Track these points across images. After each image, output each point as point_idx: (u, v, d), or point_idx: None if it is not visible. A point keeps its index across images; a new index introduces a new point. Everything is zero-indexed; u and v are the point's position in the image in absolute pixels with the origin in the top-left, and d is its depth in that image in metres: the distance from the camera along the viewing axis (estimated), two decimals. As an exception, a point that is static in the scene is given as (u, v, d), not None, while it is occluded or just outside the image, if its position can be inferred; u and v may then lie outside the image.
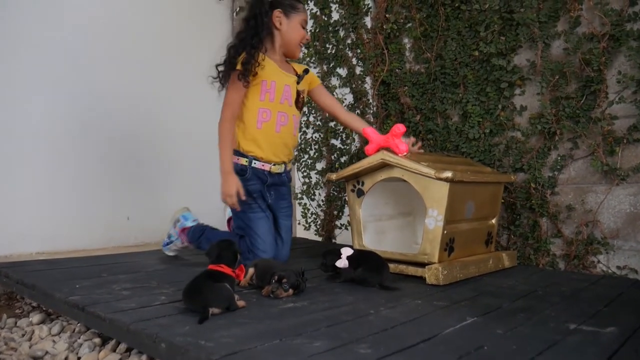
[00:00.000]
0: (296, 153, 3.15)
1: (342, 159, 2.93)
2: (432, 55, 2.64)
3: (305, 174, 3.10)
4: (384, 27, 2.78)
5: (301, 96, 2.24)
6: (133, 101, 3.07)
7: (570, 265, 2.23)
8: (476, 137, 2.48)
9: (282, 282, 1.55)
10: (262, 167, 2.12)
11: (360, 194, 2.09)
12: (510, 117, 2.41)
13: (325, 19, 2.99)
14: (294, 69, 2.24)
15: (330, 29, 2.97)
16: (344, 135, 2.93)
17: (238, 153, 2.13)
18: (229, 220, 2.46)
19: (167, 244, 2.35)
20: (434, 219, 1.86)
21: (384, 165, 1.98)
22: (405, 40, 2.78)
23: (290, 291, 1.57)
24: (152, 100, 3.16)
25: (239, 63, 2.02)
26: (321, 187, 3.00)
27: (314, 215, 3.05)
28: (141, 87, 3.11)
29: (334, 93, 2.96)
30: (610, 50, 2.14)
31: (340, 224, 2.93)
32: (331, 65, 2.98)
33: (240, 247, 2.12)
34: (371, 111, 2.85)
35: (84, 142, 2.86)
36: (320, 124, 3.02)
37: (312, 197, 3.04)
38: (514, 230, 2.38)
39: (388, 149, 1.95)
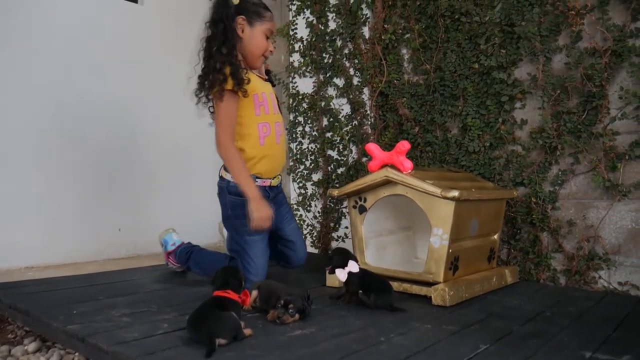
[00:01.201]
0: (291, 164, 3.11)
1: (339, 171, 2.90)
2: (432, 66, 2.61)
3: (301, 184, 3.05)
4: (382, 37, 2.74)
5: (278, 99, 2.15)
6: (124, 110, 3.00)
7: (571, 280, 2.22)
8: (476, 151, 2.46)
9: (289, 307, 1.51)
10: (263, 184, 2.04)
11: (363, 210, 2.05)
12: (510, 131, 2.39)
13: (322, 27, 2.95)
14: (262, 74, 2.14)
15: (327, 38, 2.93)
16: (340, 147, 2.90)
17: None
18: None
19: (168, 264, 2.28)
20: (439, 238, 1.83)
21: (387, 182, 1.95)
22: (404, 51, 2.75)
23: (297, 316, 1.53)
24: (145, 110, 3.09)
25: (229, 77, 1.88)
26: (317, 199, 2.96)
27: (309, 227, 3.01)
28: (129, 93, 3.04)
29: (331, 103, 2.93)
30: (612, 66, 2.13)
31: (337, 236, 2.89)
32: (328, 75, 2.94)
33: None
34: (369, 122, 2.82)
35: (73, 153, 2.79)
36: (316, 134, 2.98)
37: (308, 208, 3.00)
38: (514, 245, 2.37)
39: (392, 166, 1.91)
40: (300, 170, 3.07)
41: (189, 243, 2.26)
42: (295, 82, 3.07)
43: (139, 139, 3.06)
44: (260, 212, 1.88)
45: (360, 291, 1.74)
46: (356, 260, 1.80)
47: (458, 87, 2.52)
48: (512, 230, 2.39)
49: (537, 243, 2.31)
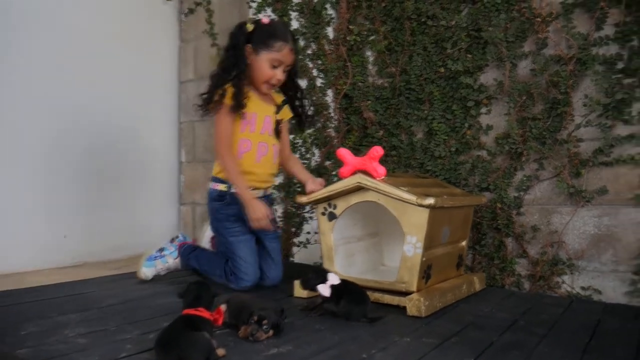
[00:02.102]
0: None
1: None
2: (397, 69, 2.57)
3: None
4: (347, 38, 2.68)
5: (280, 125, 2.23)
6: (65, 108, 2.80)
7: (535, 286, 2.24)
8: (442, 155, 2.44)
9: (263, 323, 1.42)
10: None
11: (332, 217, 1.98)
12: (476, 136, 2.39)
13: (284, 26, 2.85)
14: (273, 99, 2.23)
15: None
16: (303, 149, 2.81)
17: (216, 179, 2.15)
18: (212, 239, 2.32)
19: (154, 258, 2.20)
20: (413, 246, 1.79)
21: (358, 189, 1.89)
22: (369, 53, 2.71)
23: (271, 332, 1.44)
24: (89, 106, 2.90)
25: (229, 97, 2.02)
26: (278, 203, 2.87)
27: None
28: (77, 91, 2.85)
29: (293, 105, 2.84)
30: (576, 74, 2.15)
31: (299, 241, 2.81)
32: (290, 76, 2.85)
33: (225, 270, 2.09)
34: (333, 125, 2.75)
35: (13, 155, 2.57)
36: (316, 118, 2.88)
37: (269, 212, 2.90)
38: (480, 250, 2.36)
39: (364, 172, 1.85)
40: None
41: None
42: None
43: (85, 140, 2.87)
44: (252, 214, 2.03)
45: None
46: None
47: (424, 91, 2.50)
48: (477, 236, 2.38)
49: (502, 248, 2.32)
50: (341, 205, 1.96)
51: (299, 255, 2.80)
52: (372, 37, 2.67)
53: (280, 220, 2.88)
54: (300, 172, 2.29)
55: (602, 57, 2.11)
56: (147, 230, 3.13)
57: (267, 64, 2.07)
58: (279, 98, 2.24)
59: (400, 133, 2.58)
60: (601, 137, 2.12)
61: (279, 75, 2.11)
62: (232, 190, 2.10)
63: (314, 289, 1.69)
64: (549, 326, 1.62)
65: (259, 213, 2.03)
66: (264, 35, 2.06)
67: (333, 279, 1.69)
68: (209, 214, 2.20)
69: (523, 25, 2.27)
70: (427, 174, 2.43)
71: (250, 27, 2.08)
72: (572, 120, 2.18)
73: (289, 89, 2.24)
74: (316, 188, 2.03)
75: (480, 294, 2.08)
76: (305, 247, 2.78)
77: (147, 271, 2.17)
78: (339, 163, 2.65)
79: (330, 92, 2.76)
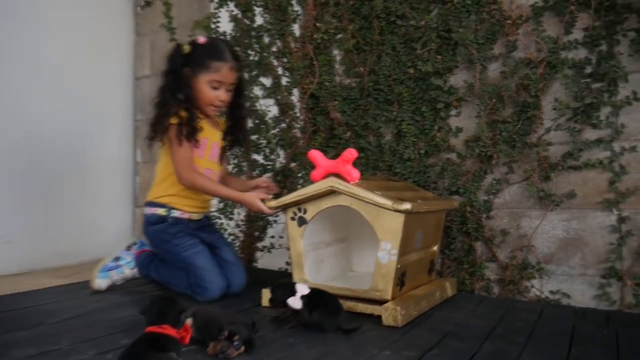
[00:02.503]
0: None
1: (265, 176, 2.71)
2: (366, 69, 2.51)
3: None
4: (315, 36, 2.60)
5: (225, 151, 2.18)
6: (11, 106, 2.60)
7: (504, 290, 2.22)
8: (411, 158, 2.39)
9: (234, 339, 1.31)
10: (182, 216, 2.06)
11: (302, 222, 1.89)
12: (445, 139, 2.35)
13: (248, 22, 2.74)
14: (219, 123, 2.17)
15: (254, 34, 2.73)
16: (267, 150, 2.71)
17: (154, 204, 2.05)
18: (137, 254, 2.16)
19: (110, 269, 2.04)
20: (388, 253, 1.72)
21: (330, 192, 1.81)
22: (335, 52, 2.63)
23: (242, 348, 1.34)
24: (37, 103, 2.70)
25: (184, 124, 1.95)
26: (241, 206, 2.75)
27: (231, 237, 2.79)
28: (24, 87, 2.65)
29: (257, 104, 2.73)
30: (546, 77, 2.15)
31: (262, 246, 2.70)
32: (254, 74, 2.74)
33: (189, 284, 1.96)
34: (298, 125, 2.66)
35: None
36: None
37: (230, 216, 2.78)
38: (449, 255, 2.33)
39: (337, 175, 1.77)
40: (222, 174, 2.84)
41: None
42: (217, 80, 2.84)
43: (33, 139, 2.67)
44: (250, 205, 1.95)
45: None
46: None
47: (393, 91, 2.44)
48: (446, 240, 2.34)
49: (471, 253, 2.29)
50: (312, 209, 1.87)
51: (263, 261, 2.70)
52: (339, 36, 2.60)
53: (243, 224, 2.77)
54: (243, 182, 2.28)
55: (571, 61, 2.11)
56: (100, 234, 2.95)
57: (207, 86, 2.00)
58: (222, 124, 2.18)
59: (368, 134, 2.51)
60: (570, 141, 2.12)
61: (222, 96, 2.03)
62: (172, 214, 2.03)
63: (283, 306, 1.59)
64: (526, 334, 1.59)
65: (253, 201, 1.92)
66: (201, 56, 1.99)
67: (302, 289, 1.60)
68: (150, 240, 2.09)
69: (493, 27, 2.24)
70: (397, 177, 2.38)
71: (186, 48, 2.00)
72: (541, 124, 2.17)
73: (234, 110, 2.16)
74: (268, 186, 2.12)
75: (453, 300, 2.04)
76: (269, 251, 2.68)
77: (101, 282, 2.02)
78: (306, 165, 2.59)
79: (296, 92, 2.67)
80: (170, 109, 1.94)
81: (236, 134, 2.19)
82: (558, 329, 1.66)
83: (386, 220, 1.72)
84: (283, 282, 1.63)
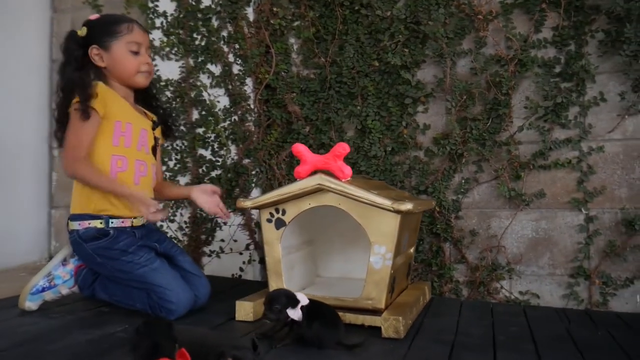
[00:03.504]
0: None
1: (214, 173, 2.45)
2: (328, 60, 2.34)
3: (162, 189, 2.52)
4: (272, 22, 2.39)
5: (158, 144, 1.88)
6: None
7: (474, 292, 2.16)
8: (376, 155, 2.26)
9: (239, 367, 1.09)
10: (123, 224, 1.71)
11: (280, 224, 1.68)
12: (413, 136, 2.25)
13: (194, 3, 2.47)
14: (146, 112, 1.87)
15: (200, 15, 2.46)
16: (215, 145, 2.45)
17: (85, 217, 1.68)
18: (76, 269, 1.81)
19: (42, 290, 1.68)
20: (382, 257, 1.57)
21: (315, 191, 1.62)
22: (292, 40, 2.44)
23: (248, 377, 1.12)
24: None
25: (76, 92, 1.63)
26: (185, 207, 2.47)
27: (174, 241, 2.49)
28: None
29: (204, 93, 2.46)
30: (517, 75, 2.12)
31: (210, 250, 2.44)
32: (200, 60, 2.47)
33: (150, 305, 1.66)
34: (252, 118, 2.43)
35: None
36: (184, 129, 2.48)
37: (172, 218, 2.49)
38: (417, 257, 2.23)
39: (326, 172, 1.59)
40: (163, 170, 2.53)
41: None
42: (156, 65, 2.53)
43: None
44: (139, 206, 1.62)
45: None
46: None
47: (357, 85, 2.30)
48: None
49: (440, 254, 2.21)
50: (292, 210, 1.67)
51: (211, 267, 2.43)
52: (296, 23, 2.41)
53: (187, 226, 2.48)
54: (180, 188, 2.06)
55: (541, 60, 2.09)
56: (11, 239, 2.52)
57: (126, 53, 1.71)
58: (150, 115, 1.89)
59: (330, 130, 2.35)
60: (540, 140, 2.11)
61: (146, 58, 1.76)
62: (112, 224, 1.68)
63: (284, 317, 1.38)
64: (528, 340, 1.51)
65: (144, 203, 1.62)
66: (103, 27, 1.71)
67: (303, 299, 1.40)
68: (90, 261, 1.70)
69: (462, 22, 2.18)
70: (369, 176, 2.24)
71: (82, 31, 1.72)
72: (511, 122, 2.14)
73: (147, 100, 1.90)
74: (216, 191, 1.89)
75: (432, 306, 1.93)
76: (218, 256, 2.42)
77: (32, 305, 1.67)
78: (261, 161, 2.37)
79: (249, 81, 2.44)
80: (67, 87, 1.66)
81: (166, 124, 1.93)
82: (554, 333, 1.61)
83: (380, 221, 1.56)
84: (280, 292, 1.42)
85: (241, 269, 2.38)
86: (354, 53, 2.30)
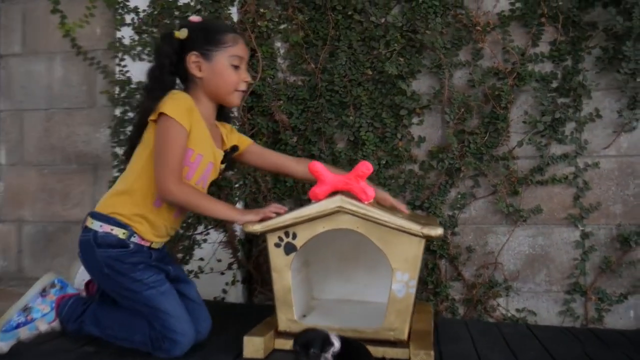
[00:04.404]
0: (116, 174, 2.32)
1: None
2: (318, 67, 2.21)
3: (133, 203, 2.30)
4: (258, 24, 2.22)
5: (221, 174, 1.72)
6: None
7: (470, 310, 2.11)
8: (370, 168, 2.16)
9: None
10: (142, 242, 1.53)
11: (291, 250, 1.54)
12: (408, 148, 2.17)
13: (171, -1, 2.26)
14: (222, 136, 1.68)
15: (178, 13, 2.26)
16: (194, 155, 2.25)
17: (110, 220, 1.50)
18: (87, 284, 1.62)
19: (17, 326, 1.45)
20: (405, 285, 1.47)
21: (332, 213, 1.49)
22: (278, 44, 2.29)
23: None
24: None
25: (186, 108, 1.47)
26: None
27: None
28: None
29: (182, 99, 2.26)
30: (514, 89, 2.08)
31: (188, 270, 2.24)
32: (177, 62, 2.26)
33: (151, 337, 1.46)
34: (235, 127, 2.25)
35: None
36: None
37: (144, 234, 2.26)
38: (411, 274, 2.15)
39: (346, 193, 1.47)
40: (131, 183, 2.31)
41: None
42: (126, 66, 2.30)
43: None
44: (249, 217, 1.50)
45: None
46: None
47: (349, 94, 2.18)
48: (408, 258, 2.16)
49: (435, 271, 2.14)
50: (303, 234, 1.53)
51: (188, 288, 2.23)
52: (283, 26, 2.26)
53: (162, 244, 2.27)
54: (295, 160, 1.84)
55: (538, 74, 2.07)
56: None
57: (228, 65, 1.54)
58: (226, 130, 1.72)
59: (320, 140, 2.22)
60: (537, 155, 2.08)
61: (246, 75, 1.60)
62: (133, 239, 1.50)
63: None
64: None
65: (252, 215, 1.50)
66: (208, 34, 1.55)
67: (335, 341, 1.28)
68: (96, 268, 1.51)
69: (459, 32, 2.12)
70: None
71: (181, 33, 1.54)
72: (508, 137, 2.10)
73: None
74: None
75: (439, 329, 1.85)
76: (197, 277, 2.23)
77: (3, 345, 1.43)
78: (245, 174, 2.20)
79: (233, 87, 2.25)
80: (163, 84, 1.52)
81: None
82: (573, 354, 1.58)
83: (402, 246, 1.46)
84: (317, 333, 1.28)
85: (224, 291, 2.20)
86: (346, 60, 2.18)
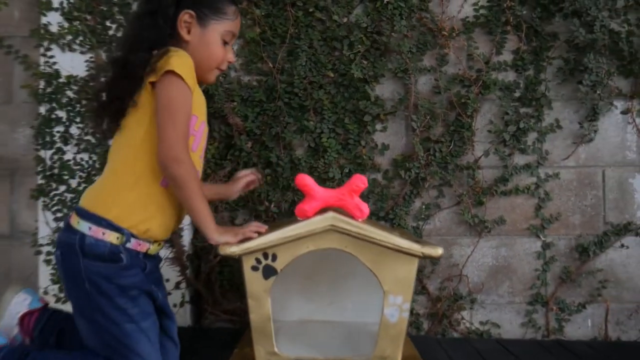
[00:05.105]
0: (41, 182, 2.00)
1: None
2: (276, 67, 2.04)
3: (61, 214, 1.98)
4: (211, 16, 2.01)
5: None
6: None
7: (435, 325, 2.04)
8: (332, 177, 2.02)
9: None
10: (138, 248, 1.23)
11: (270, 273, 1.35)
12: (371, 156, 2.06)
13: (107, -17, 1.98)
14: None
15: (117, 0, 1.98)
16: (135, 161, 1.99)
17: (104, 222, 1.20)
18: (22, 318, 1.32)
19: None
20: (398, 309, 1.35)
21: (320, 232, 1.34)
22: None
23: None
24: None
25: (188, 67, 1.22)
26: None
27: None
28: None
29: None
30: (479, 97, 2.04)
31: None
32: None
33: None
34: (184, 130, 2.02)
35: None
36: (92, 139, 1.98)
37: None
38: (375, 289, 2.04)
39: (338, 209, 1.32)
40: (59, 192, 1.99)
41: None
42: (53, 57, 1.98)
43: None
44: (227, 238, 1.28)
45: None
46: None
47: (310, 97, 2.03)
48: (371, 272, 2.05)
49: (399, 285, 2.04)
50: (285, 255, 1.35)
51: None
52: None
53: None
54: (215, 186, 1.70)
55: (502, 83, 2.04)
56: None
57: (219, 39, 1.31)
58: None
59: (277, 146, 2.05)
60: (500, 165, 2.05)
61: (232, 55, 1.37)
62: (128, 244, 1.21)
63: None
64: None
65: (233, 235, 1.29)
66: None
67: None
68: (78, 279, 1.19)
69: (424, 36, 2.04)
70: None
71: None
72: (473, 146, 2.06)
73: None
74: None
75: (418, 348, 1.75)
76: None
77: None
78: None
79: (181, 85, 2.02)
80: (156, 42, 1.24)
81: None
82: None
83: (394, 267, 1.33)
84: None
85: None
86: (307, 61, 2.03)
